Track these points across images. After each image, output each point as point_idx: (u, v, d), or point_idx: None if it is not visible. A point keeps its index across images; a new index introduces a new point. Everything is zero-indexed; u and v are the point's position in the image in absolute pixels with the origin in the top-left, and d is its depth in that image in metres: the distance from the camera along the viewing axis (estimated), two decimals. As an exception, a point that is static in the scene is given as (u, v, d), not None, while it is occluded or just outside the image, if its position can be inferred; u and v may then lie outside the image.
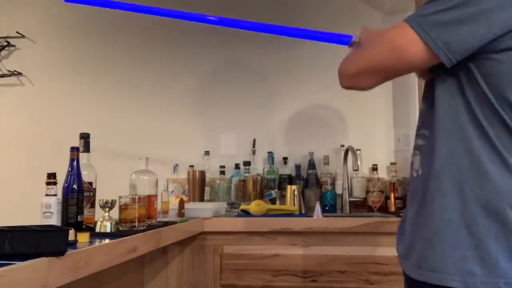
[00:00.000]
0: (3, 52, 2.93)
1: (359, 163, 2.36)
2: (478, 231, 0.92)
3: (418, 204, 1.02)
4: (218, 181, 2.56)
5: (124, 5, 1.27)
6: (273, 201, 2.41)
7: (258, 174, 2.44)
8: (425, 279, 0.97)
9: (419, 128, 1.08)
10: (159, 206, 1.87)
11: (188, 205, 2.10)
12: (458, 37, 0.92)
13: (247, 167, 2.52)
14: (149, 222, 1.61)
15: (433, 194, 0.97)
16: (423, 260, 0.97)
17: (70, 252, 0.98)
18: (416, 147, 1.07)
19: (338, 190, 2.49)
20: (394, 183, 2.41)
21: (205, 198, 2.47)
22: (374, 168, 2.53)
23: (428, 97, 1.05)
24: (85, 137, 1.59)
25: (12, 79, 2.92)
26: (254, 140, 2.62)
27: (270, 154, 2.54)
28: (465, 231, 0.93)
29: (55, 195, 1.36)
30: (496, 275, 0.90)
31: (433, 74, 1.02)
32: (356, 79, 1.07)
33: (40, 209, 1.35)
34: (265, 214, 2.10)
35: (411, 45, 0.94)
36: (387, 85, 2.60)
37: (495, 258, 0.91)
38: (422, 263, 0.97)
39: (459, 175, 0.95)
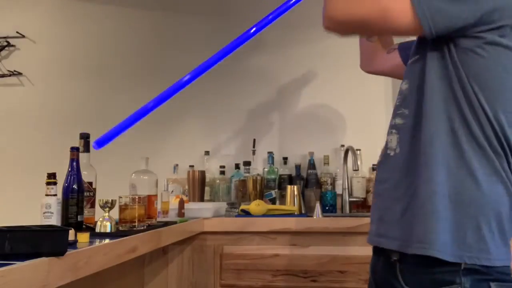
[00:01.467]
0: (3, 52, 2.93)
1: (359, 163, 2.36)
2: (451, 206, 0.96)
3: (397, 180, 1.04)
4: (218, 181, 2.56)
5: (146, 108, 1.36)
6: (273, 201, 2.41)
7: (258, 174, 2.44)
8: (403, 249, 0.99)
9: (398, 107, 1.09)
10: (159, 206, 1.87)
11: (188, 205, 2.10)
12: (446, 12, 0.95)
13: (247, 167, 2.52)
14: (149, 222, 1.61)
15: (419, 169, 1.00)
16: (406, 231, 0.99)
17: (70, 252, 0.98)
18: (394, 126, 1.09)
19: (338, 190, 2.49)
20: (394, 183, 2.41)
21: (205, 198, 2.47)
22: (374, 168, 2.52)
23: (413, 78, 1.06)
24: (85, 137, 1.59)
25: (12, 79, 2.92)
26: (254, 140, 2.62)
27: (270, 154, 2.54)
28: (442, 204, 0.96)
29: (55, 195, 1.36)
30: (462, 249, 0.94)
31: (422, 57, 1.04)
32: (338, 26, 1.07)
33: (40, 209, 1.35)
34: (265, 214, 2.10)
35: (402, 11, 0.96)
36: (387, 85, 2.60)
37: (463, 233, 0.95)
38: (406, 235, 0.99)
39: (442, 152, 0.98)
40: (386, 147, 1.11)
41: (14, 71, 2.89)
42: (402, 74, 1.37)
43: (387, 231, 1.05)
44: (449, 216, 0.96)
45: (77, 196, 1.43)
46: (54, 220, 1.34)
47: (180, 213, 2.02)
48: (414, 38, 1.37)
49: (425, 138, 1.00)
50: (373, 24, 1.01)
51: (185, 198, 2.28)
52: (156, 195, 1.75)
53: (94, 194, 1.59)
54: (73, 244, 1.10)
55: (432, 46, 1.02)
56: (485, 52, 0.97)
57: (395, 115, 1.10)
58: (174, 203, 2.09)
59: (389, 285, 1.03)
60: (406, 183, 1.02)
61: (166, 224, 1.70)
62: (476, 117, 0.97)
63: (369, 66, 1.54)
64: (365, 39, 1.49)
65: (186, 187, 2.46)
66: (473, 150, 0.97)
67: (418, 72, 1.05)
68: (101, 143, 1.25)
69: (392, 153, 1.08)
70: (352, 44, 2.65)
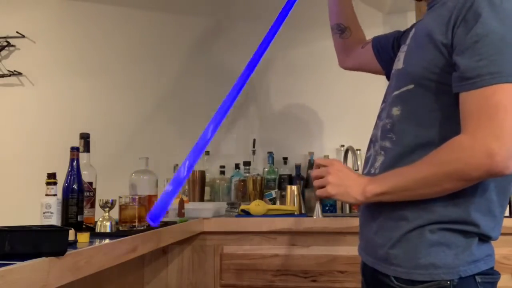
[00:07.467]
0: (3, 52, 2.93)
1: (359, 163, 2.35)
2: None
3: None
4: (218, 181, 2.56)
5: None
6: (273, 201, 2.41)
7: (258, 174, 2.44)
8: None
9: (387, 131, 1.09)
10: (159, 206, 1.86)
11: (188, 205, 2.10)
12: None
13: (247, 167, 2.52)
14: (149, 222, 1.61)
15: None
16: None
17: (70, 252, 0.98)
18: (383, 148, 1.09)
19: (338, 190, 2.49)
20: (394, 183, 2.41)
21: (205, 198, 2.47)
22: (374, 168, 2.52)
23: (407, 109, 1.05)
24: (85, 137, 1.59)
25: (12, 79, 2.92)
26: (254, 140, 2.62)
27: (270, 154, 2.54)
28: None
29: (55, 195, 1.36)
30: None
31: (422, 91, 1.02)
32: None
33: (40, 209, 1.35)
34: (265, 214, 2.10)
35: None
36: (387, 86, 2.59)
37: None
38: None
39: None
40: (369, 164, 1.13)
41: (14, 71, 2.89)
42: (376, 68, 1.40)
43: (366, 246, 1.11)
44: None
45: (77, 196, 1.43)
46: (54, 220, 1.34)
47: (180, 213, 2.02)
48: (389, 31, 1.38)
49: None
50: None
51: (185, 198, 2.28)
52: (156, 195, 1.75)
53: (94, 194, 1.59)
54: (73, 244, 1.10)
55: (442, 84, 0.99)
56: None
57: (384, 136, 1.10)
58: (174, 203, 2.09)
59: (379, 283, 1.04)
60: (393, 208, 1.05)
61: (166, 224, 1.70)
62: None
63: (345, 62, 1.56)
64: (338, 35, 1.52)
65: (186, 187, 2.46)
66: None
67: (415, 106, 1.04)
68: (155, 217, 1.02)
69: (372, 171, 1.10)
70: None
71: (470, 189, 0.96)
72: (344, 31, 1.51)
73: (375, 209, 1.07)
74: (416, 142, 1.02)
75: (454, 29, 0.95)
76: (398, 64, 1.12)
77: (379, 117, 1.16)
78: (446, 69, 0.97)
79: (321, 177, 1.09)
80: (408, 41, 1.12)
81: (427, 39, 1.02)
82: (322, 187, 1.08)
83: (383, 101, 1.17)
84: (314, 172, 1.12)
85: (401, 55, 1.12)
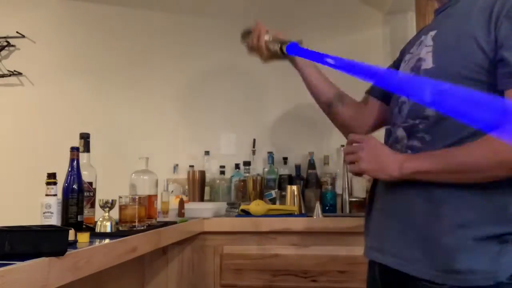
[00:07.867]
0: (3, 52, 2.93)
1: (359, 163, 2.35)
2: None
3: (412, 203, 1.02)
4: (218, 181, 2.56)
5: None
6: (273, 201, 2.41)
7: (258, 174, 2.44)
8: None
9: (419, 131, 1.05)
10: (159, 206, 1.87)
11: (188, 205, 2.10)
12: None
13: (247, 167, 2.52)
14: (149, 222, 1.61)
15: (444, 194, 0.99)
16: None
17: (70, 252, 0.98)
18: (409, 147, 1.06)
19: (338, 190, 2.49)
20: (394, 183, 2.40)
21: (205, 198, 2.47)
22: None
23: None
24: (85, 137, 1.59)
25: (12, 79, 2.92)
26: (254, 140, 2.62)
27: (270, 154, 2.54)
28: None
29: (55, 195, 1.36)
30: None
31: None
32: None
33: (40, 209, 1.35)
34: (265, 214, 2.10)
35: None
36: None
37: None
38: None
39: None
40: None
41: (14, 71, 2.89)
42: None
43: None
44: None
45: (77, 196, 1.43)
46: (54, 220, 1.34)
47: (180, 213, 2.02)
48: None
49: None
50: None
51: (185, 198, 2.28)
52: (156, 195, 1.75)
53: (94, 194, 1.58)
54: (73, 244, 1.10)
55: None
56: None
57: (413, 136, 1.06)
58: (174, 203, 2.09)
59: (406, 285, 1.01)
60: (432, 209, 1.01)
61: (166, 224, 1.70)
62: None
63: (362, 131, 1.43)
64: (340, 106, 1.46)
65: (186, 187, 2.46)
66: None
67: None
68: None
69: None
70: (353, 45, 2.67)
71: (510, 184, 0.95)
72: (343, 99, 1.47)
73: (400, 205, 1.04)
74: (451, 141, 1.00)
75: (497, 25, 0.95)
76: (425, 64, 1.06)
77: (396, 119, 1.12)
78: (488, 67, 0.97)
79: (353, 153, 1.06)
80: (430, 42, 1.08)
81: (463, 38, 1.00)
82: (354, 163, 1.05)
83: (398, 102, 1.13)
84: (347, 148, 1.09)
85: (425, 56, 1.07)
